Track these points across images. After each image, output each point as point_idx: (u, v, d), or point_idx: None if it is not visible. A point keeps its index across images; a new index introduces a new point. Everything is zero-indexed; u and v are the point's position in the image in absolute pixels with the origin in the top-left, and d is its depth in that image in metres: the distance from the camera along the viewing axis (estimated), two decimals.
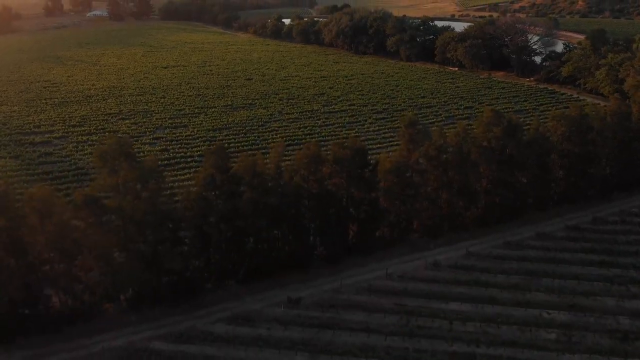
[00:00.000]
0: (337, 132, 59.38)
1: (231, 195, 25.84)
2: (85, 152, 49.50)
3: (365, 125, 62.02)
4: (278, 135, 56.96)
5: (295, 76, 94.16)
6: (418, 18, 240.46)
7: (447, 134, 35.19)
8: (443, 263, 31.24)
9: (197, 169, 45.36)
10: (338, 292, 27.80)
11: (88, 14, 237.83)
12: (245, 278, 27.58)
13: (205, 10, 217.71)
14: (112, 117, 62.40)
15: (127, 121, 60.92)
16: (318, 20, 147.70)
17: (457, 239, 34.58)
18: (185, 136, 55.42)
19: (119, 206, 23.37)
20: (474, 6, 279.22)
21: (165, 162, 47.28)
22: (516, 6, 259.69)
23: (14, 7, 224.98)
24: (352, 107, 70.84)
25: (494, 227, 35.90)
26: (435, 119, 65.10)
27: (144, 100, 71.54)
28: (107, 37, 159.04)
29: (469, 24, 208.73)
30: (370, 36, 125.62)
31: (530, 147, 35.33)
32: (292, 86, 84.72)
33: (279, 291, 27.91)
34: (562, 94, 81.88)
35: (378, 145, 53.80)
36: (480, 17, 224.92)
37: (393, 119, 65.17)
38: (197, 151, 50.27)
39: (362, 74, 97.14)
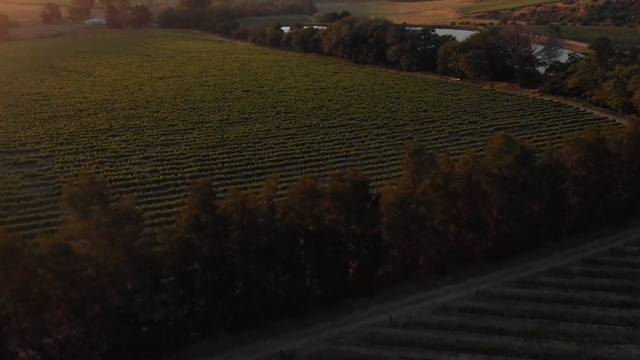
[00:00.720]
0: (336, 150, 56.92)
1: (218, 236, 23.35)
2: (71, 173, 46.95)
3: (366, 142, 59.55)
4: (275, 154, 54.48)
5: (294, 87, 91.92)
6: (418, 26, 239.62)
7: (454, 160, 32.66)
8: (451, 305, 28.63)
9: (187, 192, 42.92)
10: (337, 343, 25.18)
11: (86, 22, 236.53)
12: (234, 326, 25.02)
13: (204, 18, 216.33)
14: (102, 134, 59.95)
15: (117, 138, 58.44)
16: (317, 29, 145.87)
17: (465, 274, 31.99)
18: (177, 155, 52.93)
19: (91, 254, 20.89)
20: (474, 13, 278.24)
21: (154, 184, 44.74)
22: (516, 13, 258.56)
23: (11, 15, 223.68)
24: (352, 122, 68.45)
25: (504, 261, 33.34)
26: (438, 135, 62.67)
27: (137, 115, 69.14)
28: (104, 45, 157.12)
29: (470, 32, 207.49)
30: (370, 45, 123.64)
31: (544, 174, 32.86)
32: (290, 99, 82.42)
33: (271, 340, 25.31)
34: (568, 107, 79.52)
35: (379, 165, 51.32)
36: (481, 24, 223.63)
37: (394, 134, 62.77)
38: (188, 172, 47.73)
39: (362, 85, 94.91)
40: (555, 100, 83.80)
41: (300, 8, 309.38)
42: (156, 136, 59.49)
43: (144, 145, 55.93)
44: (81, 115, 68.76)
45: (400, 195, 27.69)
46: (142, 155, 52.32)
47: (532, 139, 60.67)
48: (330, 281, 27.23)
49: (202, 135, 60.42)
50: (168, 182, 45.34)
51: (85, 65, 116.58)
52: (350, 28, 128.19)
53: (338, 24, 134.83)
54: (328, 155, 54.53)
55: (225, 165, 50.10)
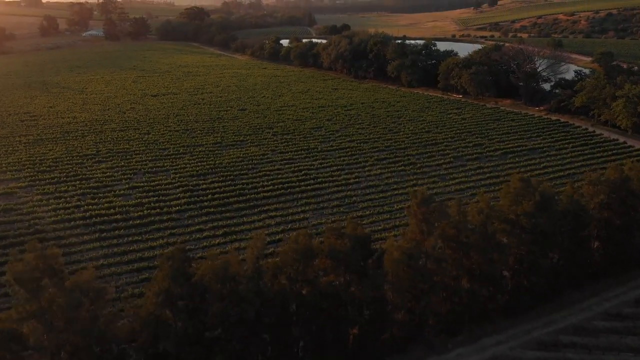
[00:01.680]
0: (335, 176, 53.67)
1: (194, 310, 20.06)
2: (50, 207, 43.68)
3: (366, 168, 56.32)
4: (270, 182, 51.20)
5: (292, 106, 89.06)
6: (418, 38, 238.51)
7: (467, 206, 29.36)
8: None
9: (172, 230, 39.64)
10: None
11: (84, 34, 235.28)
12: None
13: (203, 31, 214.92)
14: (87, 160, 56.75)
15: (103, 165, 55.22)
16: (316, 43, 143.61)
17: (479, 333, 28.55)
18: (165, 184, 49.65)
19: (42, 340, 17.59)
20: (474, 25, 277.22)
21: (138, 220, 41.39)
22: (517, 25, 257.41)
23: (9, 27, 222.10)
24: (352, 145, 65.34)
25: (521, 317, 29.91)
26: (442, 160, 59.46)
27: (126, 138, 66.01)
28: (99, 59, 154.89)
29: (471, 44, 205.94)
30: (370, 60, 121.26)
31: (565, 219, 29.58)
32: (288, 118, 79.46)
33: None
34: (576, 127, 76.49)
35: (381, 196, 48.00)
36: (482, 37, 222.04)
37: (396, 159, 59.57)
38: (175, 205, 44.39)
39: (362, 103, 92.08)
40: (562, 120, 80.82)
41: (299, 20, 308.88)
42: (144, 162, 56.28)
43: (131, 173, 52.69)
44: (68, 138, 65.63)
45: (407, 251, 24.39)
46: (127, 185, 49.04)
47: (542, 164, 57.62)
48: (325, 352, 23.78)
49: (193, 161, 57.22)
50: (153, 217, 42.00)
51: (79, 81, 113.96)
52: (349, 43, 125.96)
53: (337, 38, 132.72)
54: (326, 184, 51.27)
55: (215, 196, 46.79)
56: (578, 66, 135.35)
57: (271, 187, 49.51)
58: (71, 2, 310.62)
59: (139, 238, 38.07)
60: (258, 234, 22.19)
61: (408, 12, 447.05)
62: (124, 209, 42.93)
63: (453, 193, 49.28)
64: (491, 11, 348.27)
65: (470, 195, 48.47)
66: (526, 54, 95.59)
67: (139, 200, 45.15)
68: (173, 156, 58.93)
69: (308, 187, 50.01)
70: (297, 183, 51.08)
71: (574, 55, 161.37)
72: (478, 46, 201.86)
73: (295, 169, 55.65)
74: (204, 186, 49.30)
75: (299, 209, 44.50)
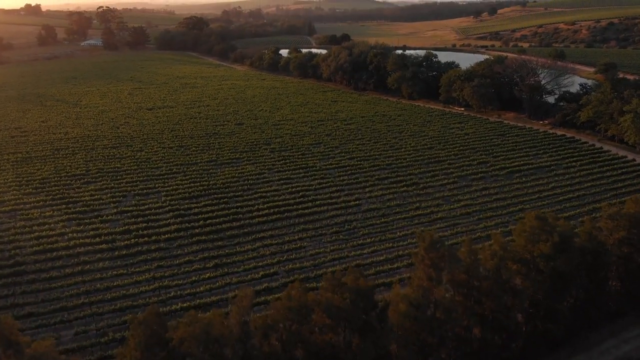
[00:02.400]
0: (334, 198, 51.24)
1: None
2: (32, 235, 41.26)
3: (367, 189, 53.92)
4: (265, 204, 48.77)
5: (290, 120, 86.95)
6: (419, 48, 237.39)
7: (478, 242, 26.90)
8: None
9: (160, 262, 37.18)
10: None
11: (82, 43, 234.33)
12: None
13: (202, 41, 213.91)
14: (76, 180, 54.39)
15: (92, 186, 52.85)
16: (316, 54, 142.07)
17: None
18: (156, 208, 47.23)
19: None
20: (474, 35, 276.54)
21: (124, 250, 38.92)
22: (517, 35, 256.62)
23: (6, 37, 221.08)
24: (352, 162, 63.06)
25: None
26: (446, 179, 57.09)
27: (118, 156, 63.73)
28: (96, 70, 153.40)
29: (472, 54, 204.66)
30: (370, 72, 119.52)
31: (584, 258, 27.16)
32: (286, 133, 77.25)
33: None
34: (582, 143, 74.25)
35: (382, 221, 45.51)
36: (482, 46, 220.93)
37: (398, 178, 57.20)
38: (164, 233, 41.92)
39: (362, 117, 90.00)
40: (568, 135, 78.64)
41: (299, 29, 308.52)
42: (135, 183, 53.90)
43: (120, 196, 50.30)
44: (58, 156, 63.34)
45: (414, 301, 21.95)
46: (115, 210, 46.61)
47: (550, 185, 55.21)
48: None
49: (186, 181, 54.85)
50: (140, 246, 39.51)
51: (74, 93, 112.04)
52: (349, 54, 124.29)
53: (337, 49, 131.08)
54: (325, 207, 48.83)
55: (207, 221, 44.34)
56: (581, 77, 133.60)
57: (267, 210, 47.09)
58: (70, 11, 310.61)
59: (124, 271, 35.57)
60: (244, 292, 19.74)
61: (408, 20, 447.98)
62: (110, 237, 40.46)
63: (459, 217, 46.87)
64: (491, 20, 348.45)
65: (477, 220, 46.07)
66: (529, 67, 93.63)
67: (126, 227, 42.71)
68: (165, 176, 56.58)
69: (306, 210, 47.58)
70: (295, 206, 48.66)
71: (576, 66, 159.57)
72: (479, 56, 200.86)
73: (293, 189, 53.27)
74: (196, 210, 46.87)
75: (296, 236, 42.06)
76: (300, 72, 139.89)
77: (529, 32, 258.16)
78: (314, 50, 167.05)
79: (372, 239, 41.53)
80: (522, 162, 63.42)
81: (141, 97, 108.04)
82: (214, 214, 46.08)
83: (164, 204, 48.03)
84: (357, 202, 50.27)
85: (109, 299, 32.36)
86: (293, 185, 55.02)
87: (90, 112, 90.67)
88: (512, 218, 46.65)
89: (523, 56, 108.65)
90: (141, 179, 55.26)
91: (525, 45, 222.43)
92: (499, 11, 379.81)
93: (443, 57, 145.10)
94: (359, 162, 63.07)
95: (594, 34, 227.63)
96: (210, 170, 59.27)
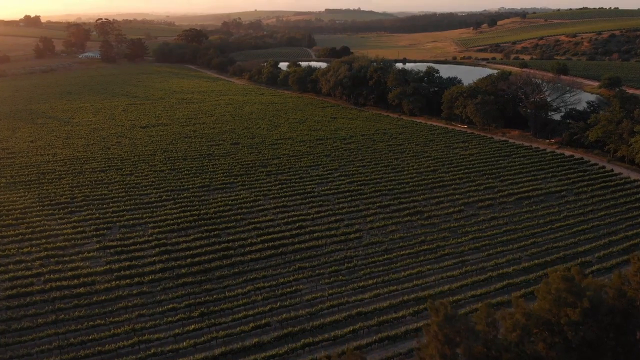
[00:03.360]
0: (333, 229, 48.07)
1: None
2: (7, 275, 37.98)
3: (368, 218, 50.73)
4: (259, 237, 45.58)
5: (288, 138, 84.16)
6: (419, 61, 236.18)
7: (497, 309, 23.67)
8: None
9: (142, 311, 33.87)
10: None
11: (80, 56, 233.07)
12: None
13: (200, 54, 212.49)
14: (59, 210, 51.25)
15: (75, 217, 49.70)
16: (315, 68, 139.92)
17: None
18: (141, 242, 44.03)
19: None
20: (475, 47, 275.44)
21: (103, 295, 35.61)
22: (518, 47, 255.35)
23: (3, 49, 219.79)
24: (352, 187, 60.03)
25: None
26: (451, 207, 53.94)
27: (106, 180, 60.69)
28: (92, 84, 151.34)
29: (473, 67, 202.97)
30: (370, 88, 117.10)
31: (613, 320, 23.88)
32: (284, 154, 74.36)
33: None
34: (592, 165, 71.27)
35: (385, 258, 42.26)
36: (484, 59, 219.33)
37: (401, 206, 54.05)
38: (148, 273, 38.66)
39: (362, 135, 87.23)
40: (576, 156, 75.74)
41: (299, 41, 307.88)
42: (121, 212, 50.74)
43: (104, 228, 47.12)
44: (43, 181, 60.29)
45: None
46: (98, 245, 43.39)
47: (562, 214, 51.99)
48: None
49: (175, 210, 51.68)
50: (121, 290, 36.24)
51: (67, 109, 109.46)
52: (349, 69, 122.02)
53: (336, 64, 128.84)
54: (323, 240, 45.62)
55: (196, 259, 41.09)
56: (585, 91, 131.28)
57: (260, 245, 43.86)
58: (69, 22, 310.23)
59: (102, 322, 32.25)
60: None
61: (407, 31, 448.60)
62: (89, 279, 37.21)
63: (467, 253, 43.64)
64: (491, 31, 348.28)
65: (487, 257, 42.84)
66: (535, 83, 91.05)
67: (108, 266, 39.49)
68: (154, 204, 53.46)
69: (302, 244, 44.36)
70: (291, 239, 45.46)
71: (579, 80, 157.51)
72: (480, 69, 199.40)
73: (289, 219, 50.10)
74: (184, 245, 43.62)
75: (291, 277, 38.78)
76: (299, 86, 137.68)
77: (529, 44, 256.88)
78: (313, 64, 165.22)
79: (375, 280, 38.26)
80: (530, 187, 60.32)
81: (136, 113, 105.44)
82: (203, 250, 42.83)
83: (150, 238, 44.81)
84: (358, 234, 47.05)
85: (82, 357, 29.04)
86: (289, 213, 51.88)
87: (82, 131, 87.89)
88: (525, 253, 43.45)
89: (528, 70, 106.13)
90: (128, 207, 52.13)
91: (527, 57, 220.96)
92: (499, 22, 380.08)
93: (444, 70, 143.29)
94: (359, 187, 60.02)
95: (595, 46, 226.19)
96: (202, 197, 56.18)
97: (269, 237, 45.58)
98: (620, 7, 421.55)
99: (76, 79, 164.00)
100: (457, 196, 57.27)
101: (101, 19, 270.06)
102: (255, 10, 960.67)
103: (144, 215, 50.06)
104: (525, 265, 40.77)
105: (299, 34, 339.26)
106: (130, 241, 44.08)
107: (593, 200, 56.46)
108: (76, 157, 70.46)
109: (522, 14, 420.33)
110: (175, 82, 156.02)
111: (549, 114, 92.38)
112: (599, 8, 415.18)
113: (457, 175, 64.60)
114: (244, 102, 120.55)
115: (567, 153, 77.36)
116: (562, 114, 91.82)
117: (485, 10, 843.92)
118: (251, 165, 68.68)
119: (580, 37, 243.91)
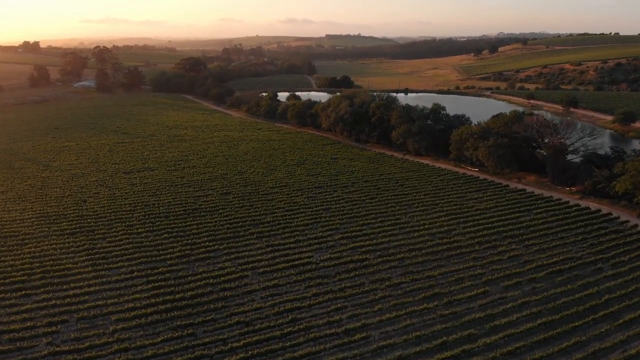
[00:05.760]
0: (333, 326, 39.85)
1: None
2: None
3: (377, 307, 42.45)
4: (242, 342, 37.30)
5: (284, 186, 76.81)
6: (421, 91, 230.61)
7: None
8: None
9: None
10: None
11: (75, 85, 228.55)
12: None
13: (198, 83, 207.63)
14: (9, 294, 43.18)
15: (27, 305, 41.49)
16: (315, 102, 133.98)
17: None
18: (100, 346, 35.82)
19: None
20: (477, 75, 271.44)
21: None
22: (522, 75, 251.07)
23: None
24: (355, 254, 52.22)
25: None
26: (474, 289, 45.66)
27: (73, 249, 52.88)
28: (83, 117, 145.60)
29: (478, 98, 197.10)
30: (372, 125, 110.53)
31: None
32: (279, 208, 66.79)
33: None
34: (622, 223, 63.32)
35: (388, 359, 34.00)
36: (487, 88, 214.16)
37: (415, 286, 45.91)
38: None
39: (365, 181, 79.95)
40: (603, 210, 67.97)
41: (299, 68, 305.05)
42: (82, 299, 42.65)
43: (58, 323, 39.02)
44: (2, 250, 52.41)
45: None
46: (47, 350, 35.25)
47: (603, 297, 43.69)
48: None
49: (145, 295, 43.60)
50: None
51: (50, 149, 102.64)
52: (350, 105, 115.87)
53: (337, 99, 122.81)
54: (322, 345, 37.25)
55: None
56: (597, 125, 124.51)
57: (243, 354, 35.62)
58: (66, 49, 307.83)
59: None
60: None
61: (407, 57, 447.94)
62: None
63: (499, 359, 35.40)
64: (492, 58, 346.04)
65: None
66: (552, 125, 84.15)
67: None
68: (123, 284, 45.46)
69: (295, 351, 36.13)
70: (281, 343, 37.21)
71: (590, 113, 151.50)
72: (485, 100, 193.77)
73: (280, 307, 41.94)
74: (151, 352, 35.41)
75: None
76: (299, 120, 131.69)
77: (533, 73, 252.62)
78: (313, 94, 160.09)
79: None
80: (561, 257, 52.27)
81: (122, 154, 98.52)
82: (175, 354, 34.62)
83: (109, 340, 36.64)
84: (365, 332, 38.76)
85: None
86: (282, 297, 43.79)
87: (60, 178, 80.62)
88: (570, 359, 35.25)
89: (540, 106, 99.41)
90: (92, 290, 44.05)
91: (532, 86, 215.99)
92: (500, 49, 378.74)
93: (448, 101, 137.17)
94: (362, 256, 52.12)
95: (602, 75, 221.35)
96: (180, 272, 48.20)
97: (254, 337, 37.37)
98: (621, 33, 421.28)
99: (67, 111, 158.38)
100: (478, 270, 49.18)
101: (99, 46, 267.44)
102: (257, 35, 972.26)
103: (109, 302, 41.99)
104: None
105: (299, 60, 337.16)
106: (86, 345, 35.86)
107: (634, 275, 48.37)
108: (45, 215, 62.75)
109: (523, 40, 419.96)
110: (170, 116, 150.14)
111: (567, 156, 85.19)
112: (600, 34, 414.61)
113: (476, 239, 56.70)
114: (240, 140, 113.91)
115: (593, 206, 69.70)
116: (580, 156, 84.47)
117: (484, 35, 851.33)
118: (241, 224, 60.98)
119: (586, 66, 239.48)
